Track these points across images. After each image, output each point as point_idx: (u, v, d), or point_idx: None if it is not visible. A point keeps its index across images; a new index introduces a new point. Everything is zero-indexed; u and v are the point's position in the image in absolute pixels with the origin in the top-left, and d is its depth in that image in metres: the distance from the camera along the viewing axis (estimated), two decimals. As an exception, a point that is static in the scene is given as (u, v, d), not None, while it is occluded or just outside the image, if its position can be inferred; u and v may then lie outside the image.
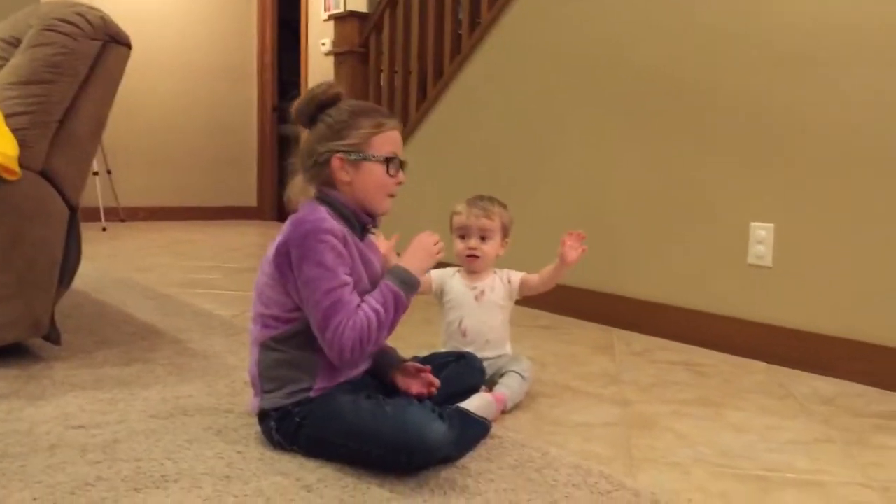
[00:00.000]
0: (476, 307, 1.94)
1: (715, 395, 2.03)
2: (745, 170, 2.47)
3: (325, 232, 1.41)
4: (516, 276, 1.97)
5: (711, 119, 2.56)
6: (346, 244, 1.44)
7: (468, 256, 1.94)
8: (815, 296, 2.30)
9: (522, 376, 1.87)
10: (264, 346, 1.49)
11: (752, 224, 2.44)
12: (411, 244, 1.54)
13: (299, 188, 1.54)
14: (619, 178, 2.87)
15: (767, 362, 2.37)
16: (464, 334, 1.93)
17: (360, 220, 1.52)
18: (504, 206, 1.97)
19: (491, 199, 1.96)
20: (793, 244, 2.35)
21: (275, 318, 1.47)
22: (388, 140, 1.51)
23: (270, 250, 1.47)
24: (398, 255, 1.59)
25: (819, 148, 2.28)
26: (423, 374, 1.61)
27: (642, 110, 2.78)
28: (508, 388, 1.82)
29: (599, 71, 2.93)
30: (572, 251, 1.88)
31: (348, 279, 1.43)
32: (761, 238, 2.42)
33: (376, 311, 1.43)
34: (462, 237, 1.95)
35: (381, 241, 1.71)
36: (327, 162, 1.48)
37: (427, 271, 1.55)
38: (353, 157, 1.48)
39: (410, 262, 1.51)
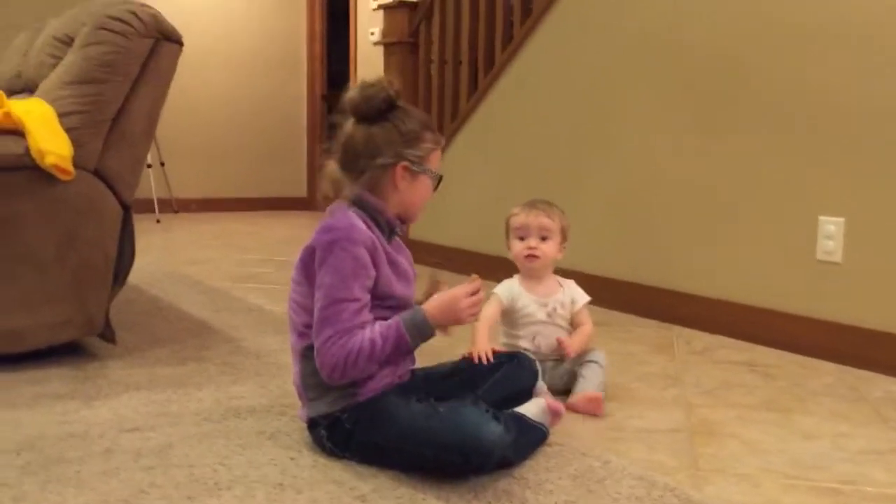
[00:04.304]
0: (549, 323, 1.91)
1: (783, 398, 1.94)
2: (813, 160, 2.36)
3: (353, 242, 1.39)
4: (580, 301, 1.95)
5: (777, 107, 2.45)
6: (374, 250, 1.41)
7: (527, 256, 1.89)
8: (888, 293, 2.18)
9: (601, 365, 1.87)
10: (303, 356, 1.47)
11: (821, 218, 2.33)
12: (447, 297, 1.45)
13: (334, 180, 1.50)
14: (678, 169, 2.77)
15: (838, 363, 2.26)
16: (538, 349, 1.90)
17: (391, 225, 1.50)
18: (561, 211, 1.94)
19: (548, 203, 1.93)
20: (864, 239, 2.24)
21: (307, 326, 1.45)
22: (437, 157, 1.53)
23: (299, 257, 1.46)
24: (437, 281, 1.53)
25: (893, 137, 2.16)
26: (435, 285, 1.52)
27: (702, 99, 2.68)
28: (591, 383, 1.81)
29: (657, 59, 2.83)
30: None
31: (361, 296, 1.39)
32: (830, 233, 2.31)
33: (372, 342, 1.38)
34: (521, 238, 1.91)
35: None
36: (390, 166, 1.46)
37: (445, 327, 1.46)
38: (415, 168, 1.47)
39: (435, 312, 1.44)
